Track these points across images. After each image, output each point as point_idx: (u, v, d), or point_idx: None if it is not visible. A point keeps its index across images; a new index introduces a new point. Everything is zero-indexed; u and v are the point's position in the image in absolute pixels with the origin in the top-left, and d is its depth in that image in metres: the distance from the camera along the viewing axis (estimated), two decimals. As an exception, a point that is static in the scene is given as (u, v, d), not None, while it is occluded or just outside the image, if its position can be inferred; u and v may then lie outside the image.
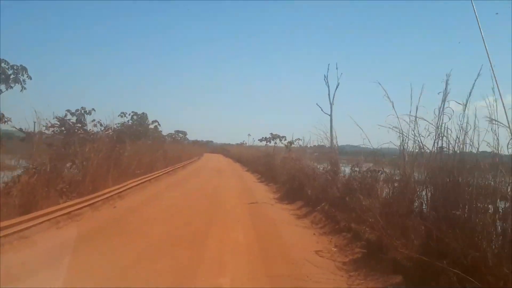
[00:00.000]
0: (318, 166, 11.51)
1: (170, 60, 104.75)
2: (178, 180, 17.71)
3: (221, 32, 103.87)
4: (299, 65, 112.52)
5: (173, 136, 50.48)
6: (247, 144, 51.68)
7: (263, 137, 30.73)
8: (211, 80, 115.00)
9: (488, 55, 3.94)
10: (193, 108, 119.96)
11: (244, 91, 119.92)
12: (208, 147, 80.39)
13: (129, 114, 21.67)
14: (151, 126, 24.48)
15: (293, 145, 16.36)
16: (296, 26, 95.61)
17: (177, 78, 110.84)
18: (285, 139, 28.96)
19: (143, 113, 22.58)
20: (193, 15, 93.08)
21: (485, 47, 3.98)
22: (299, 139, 15.88)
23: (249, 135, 65.15)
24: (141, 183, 14.57)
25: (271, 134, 30.20)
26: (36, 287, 4.12)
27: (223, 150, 67.83)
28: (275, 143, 29.92)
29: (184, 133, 52.02)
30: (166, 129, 53.24)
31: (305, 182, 11.30)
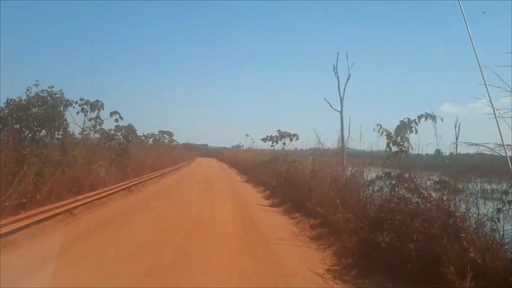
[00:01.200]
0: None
1: (167, 60, 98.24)
2: (129, 208, 9.90)
3: (217, 31, 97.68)
4: (302, 63, 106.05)
5: (158, 137, 42.81)
6: (244, 147, 44.12)
7: (267, 136, 22.95)
8: (206, 81, 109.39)
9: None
10: (187, 111, 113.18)
11: (242, 91, 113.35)
12: (202, 150, 75.22)
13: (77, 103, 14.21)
14: (115, 121, 16.81)
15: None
16: (293, 22, 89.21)
17: (172, 80, 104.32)
18: (297, 138, 21.52)
19: (97, 100, 15.09)
20: (189, 12, 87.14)
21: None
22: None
23: (247, 135, 56.98)
24: (35, 222, 6.97)
25: (279, 131, 22.53)
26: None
27: (218, 154, 63.23)
28: (284, 143, 22.29)
29: (170, 134, 44.35)
30: (151, 130, 45.47)
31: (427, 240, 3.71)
